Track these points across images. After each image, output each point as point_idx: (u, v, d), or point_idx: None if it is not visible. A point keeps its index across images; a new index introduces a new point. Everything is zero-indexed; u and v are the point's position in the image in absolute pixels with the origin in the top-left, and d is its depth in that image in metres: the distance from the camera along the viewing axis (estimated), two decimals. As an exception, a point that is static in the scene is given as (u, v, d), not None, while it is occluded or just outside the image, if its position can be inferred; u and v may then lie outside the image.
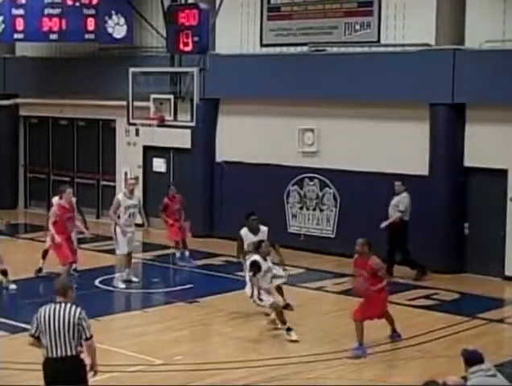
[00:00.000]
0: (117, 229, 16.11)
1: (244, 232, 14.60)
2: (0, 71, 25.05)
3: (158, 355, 12.10)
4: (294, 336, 12.77)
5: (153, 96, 18.31)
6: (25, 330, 12.79)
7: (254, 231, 14.51)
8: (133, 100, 18.62)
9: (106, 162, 23.91)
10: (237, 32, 20.82)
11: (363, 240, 12.37)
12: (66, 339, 8.24)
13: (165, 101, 18.33)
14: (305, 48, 19.70)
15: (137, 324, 13.94)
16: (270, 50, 20.35)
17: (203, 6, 18.57)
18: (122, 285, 15.96)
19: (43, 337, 8.29)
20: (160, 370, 11.57)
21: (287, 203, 20.18)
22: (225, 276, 17.21)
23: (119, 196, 16.46)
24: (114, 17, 21.96)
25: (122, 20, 22.04)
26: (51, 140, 25.36)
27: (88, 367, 8.53)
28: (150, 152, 22.79)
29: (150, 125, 19.10)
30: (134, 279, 16.42)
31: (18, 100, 25.34)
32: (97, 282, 16.30)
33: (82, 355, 8.43)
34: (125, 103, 19.20)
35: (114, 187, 23.48)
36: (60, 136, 25.07)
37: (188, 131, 20.25)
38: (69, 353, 8.27)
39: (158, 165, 22.64)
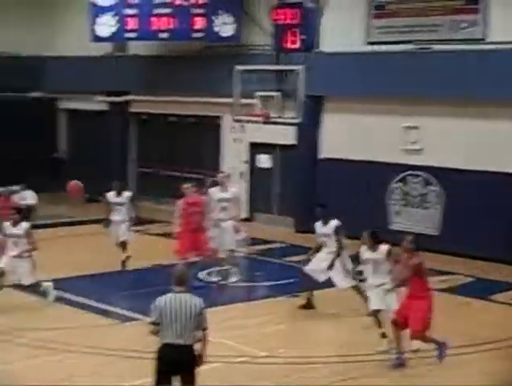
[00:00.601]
0: (211, 223, 15.97)
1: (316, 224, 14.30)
2: (113, 69, 25.42)
3: (262, 348, 12.03)
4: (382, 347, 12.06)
5: (258, 93, 18.35)
6: (135, 319, 13.15)
7: (323, 222, 14.17)
8: (239, 98, 18.65)
9: (212, 158, 23.98)
10: (342, 30, 20.53)
11: (412, 236, 11.79)
12: (188, 328, 8.30)
13: (270, 98, 18.32)
14: (410, 46, 19.32)
15: (240, 316, 13.89)
16: (375, 48, 20.02)
17: (309, 4, 18.51)
18: (233, 279, 15.89)
19: (166, 325, 8.30)
20: (264, 362, 11.49)
21: (390, 199, 19.84)
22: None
23: (212, 189, 16.39)
24: (222, 16, 22.03)
25: (229, 19, 22.07)
26: (160, 136, 25.60)
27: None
28: (256, 148, 22.74)
29: (256, 122, 19.12)
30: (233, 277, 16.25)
31: (129, 97, 25.68)
32: (201, 275, 16.31)
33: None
34: (231, 100, 19.28)
35: (217, 183, 23.49)
36: (169, 132, 25.29)
37: (293, 128, 20.14)
38: (188, 342, 8.35)
39: (264, 161, 22.59)
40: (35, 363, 11.19)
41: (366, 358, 11.51)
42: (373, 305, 12.02)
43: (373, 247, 12.07)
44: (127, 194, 17.09)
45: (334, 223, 14.06)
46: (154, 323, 8.42)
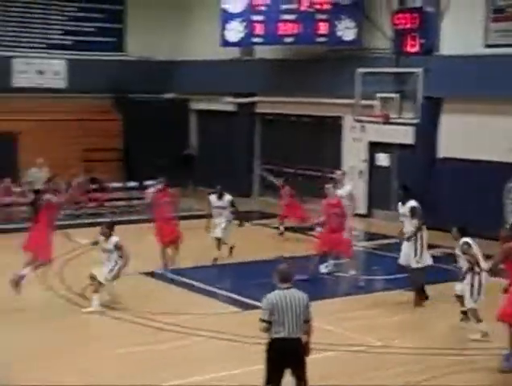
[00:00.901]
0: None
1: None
2: (240, 72, 25.90)
3: (378, 337, 12.17)
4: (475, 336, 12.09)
5: (379, 94, 18.38)
6: (255, 307, 13.48)
7: (402, 203, 14.35)
8: (360, 99, 18.76)
9: (333, 156, 24.13)
10: (461, 33, 20.34)
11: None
12: (299, 322, 8.44)
13: (390, 100, 18.33)
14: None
15: (357, 308, 14.03)
16: (494, 50, 19.75)
17: (429, 9, 18.42)
18: (352, 272, 15.90)
19: (279, 321, 8.39)
20: (380, 352, 11.63)
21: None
22: (442, 266, 16.94)
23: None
24: (344, 21, 22.14)
25: (352, 24, 22.17)
26: (283, 135, 25.91)
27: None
28: (374, 147, 22.79)
29: (375, 122, 19.19)
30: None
31: (256, 99, 26.09)
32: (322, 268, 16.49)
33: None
34: (352, 101, 19.40)
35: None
36: (292, 131, 25.57)
37: (411, 128, 20.09)
38: (299, 335, 8.49)
39: (382, 159, 22.60)
40: (167, 346, 11.65)
41: (481, 352, 11.50)
42: (467, 303, 12.09)
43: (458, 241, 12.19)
44: (228, 198, 17.40)
45: (410, 203, 14.16)
46: (265, 321, 8.47)
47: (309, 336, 8.67)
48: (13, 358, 11.03)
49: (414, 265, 13.98)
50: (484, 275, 11.93)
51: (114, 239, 13.65)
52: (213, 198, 17.37)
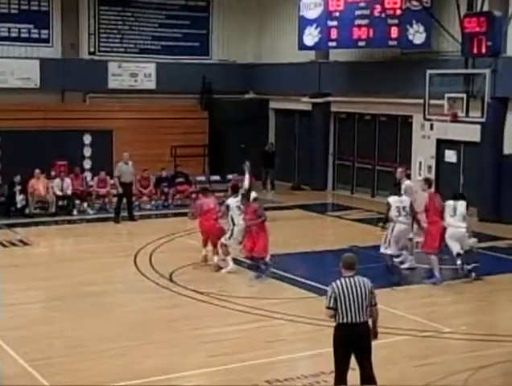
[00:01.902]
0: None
1: None
2: (316, 73, 25.78)
3: (446, 324, 11.96)
4: None
5: (447, 94, 18.03)
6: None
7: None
8: (429, 99, 18.45)
9: (403, 153, 23.82)
10: (528, 36, 19.82)
11: None
12: (364, 307, 8.35)
13: (458, 99, 17.98)
14: None
15: (426, 295, 13.83)
16: (560, 52, 19.18)
17: (496, 13, 17.95)
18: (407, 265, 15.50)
19: (343, 306, 8.31)
20: (448, 337, 11.44)
21: None
22: (509, 258, 16.59)
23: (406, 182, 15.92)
24: (415, 25, 21.77)
25: (422, 28, 21.79)
26: (356, 132, 25.70)
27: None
28: (442, 144, 22.38)
29: (444, 121, 18.84)
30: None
31: (330, 99, 25.92)
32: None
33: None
34: (421, 101, 19.09)
35: (409, 175, 23.30)
36: (364, 129, 25.32)
37: (478, 126, 19.66)
38: (364, 319, 8.39)
39: (450, 156, 22.18)
40: (248, 327, 11.72)
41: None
42: None
43: None
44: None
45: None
46: (330, 308, 8.42)
47: (375, 320, 8.57)
48: (103, 338, 11.20)
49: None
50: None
51: (227, 201, 15.23)
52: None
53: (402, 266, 15.23)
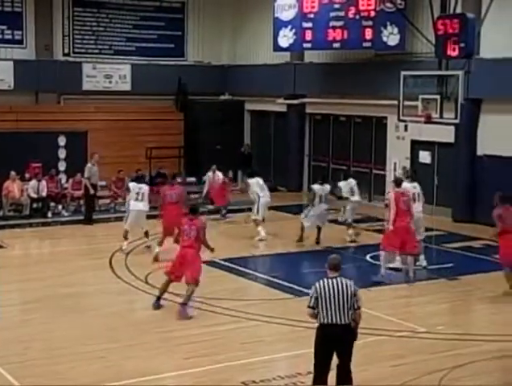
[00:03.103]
0: None
1: None
2: (291, 75, 25.85)
3: (422, 324, 12.02)
4: None
5: (421, 96, 18.12)
6: (308, 294, 13.40)
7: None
8: (403, 100, 18.56)
9: (378, 154, 23.94)
10: (499, 38, 19.96)
11: None
12: (344, 308, 8.38)
13: (432, 101, 18.07)
14: None
15: (402, 296, 13.89)
16: (531, 54, 19.36)
17: (469, 15, 18.08)
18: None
19: (323, 306, 8.39)
20: (423, 337, 11.48)
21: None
22: (483, 258, 16.71)
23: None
24: (389, 27, 21.92)
25: (396, 30, 21.93)
26: (331, 134, 25.77)
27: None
28: (417, 145, 22.51)
29: (418, 122, 18.95)
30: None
31: (305, 100, 25.98)
32: (368, 257, 16.40)
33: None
34: (396, 102, 19.18)
35: (384, 176, 23.50)
36: (339, 130, 25.42)
37: (452, 127, 19.80)
38: (345, 321, 8.41)
39: (424, 157, 22.32)
40: (224, 328, 11.71)
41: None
42: None
43: None
44: None
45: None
46: (311, 307, 8.50)
47: (357, 323, 8.58)
48: (76, 341, 11.14)
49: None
50: None
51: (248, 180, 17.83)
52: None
53: (389, 265, 15.21)
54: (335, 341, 8.45)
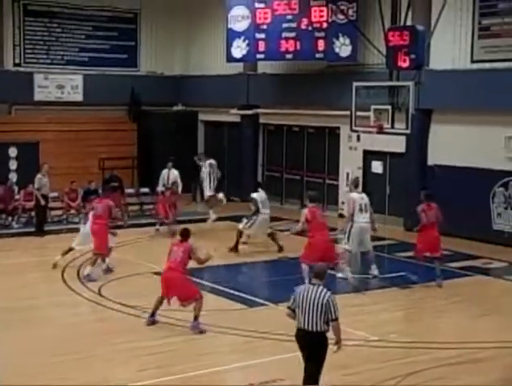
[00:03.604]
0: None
1: None
2: (244, 85, 25.92)
3: (373, 332, 12.09)
4: None
5: (373, 106, 18.33)
6: (263, 305, 13.45)
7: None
8: (355, 110, 18.74)
9: (331, 164, 24.12)
10: (449, 50, 20.33)
11: None
12: (314, 317, 8.51)
13: (383, 111, 18.28)
14: (513, 64, 18.95)
15: (356, 304, 13.96)
16: (480, 65, 19.72)
17: (419, 27, 18.36)
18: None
19: (298, 311, 8.61)
20: (375, 345, 11.55)
21: (493, 203, 19.49)
22: (434, 266, 16.88)
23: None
24: (341, 38, 22.12)
25: (348, 41, 22.15)
26: (284, 144, 25.89)
27: (334, 342, 8.75)
28: (369, 155, 22.74)
29: (370, 132, 19.16)
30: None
31: (259, 110, 26.07)
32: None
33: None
34: (348, 113, 19.37)
35: (337, 186, 23.68)
36: (293, 141, 25.55)
37: (403, 137, 20.04)
38: (314, 329, 8.55)
39: (376, 167, 22.56)
40: (179, 339, 11.66)
41: (483, 345, 11.39)
42: None
43: None
44: None
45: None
46: (289, 308, 8.75)
47: (335, 335, 8.69)
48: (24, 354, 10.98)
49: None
50: None
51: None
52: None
53: (338, 275, 15.40)
54: (304, 346, 8.67)
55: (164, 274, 12.26)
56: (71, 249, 16.22)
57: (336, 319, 8.59)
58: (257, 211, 17.93)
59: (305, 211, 14.94)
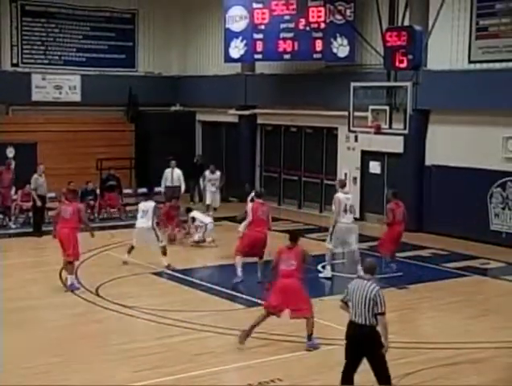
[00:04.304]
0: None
1: None
2: (242, 86, 25.90)
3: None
4: None
5: (371, 107, 18.35)
6: (259, 304, 13.39)
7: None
8: (353, 111, 18.74)
9: (328, 164, 24.10)
10: (447, 50, 20.31)
11: None
12: (362, 311, 8.74)
13: (381, 112, 18.31)
14: (511, 64, 18.90)
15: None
16: (478, 66, 19.71)
17: (417, 27, 18.36)
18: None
19: (350, 303, 8.87)
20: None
21: (490, 203, 19.48)
22: (432, 266, 16.91)
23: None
24: (339, 39, 22.11)
25: (345, 41, 22.14)
26: (282, 144, 25.87)
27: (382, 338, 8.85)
28: (367, 156, 22.73)
29: (368, 133, 19.15)
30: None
31: (256, 111, 26.05)
32: (319, 267, 16.43)
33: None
34: (346, 113, 19.38)
35: (335, 186, 23.59)
36: (290, 141, 25.53)
37: (401, 138, 20.03)
38: (364, 322, 8.75)
39: (374, 167, 22.54)
40: (176, 340, 11.60)
41: (476, 346, 11.37)
42: None
43: None
44: None
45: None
46: (342, 301, 9.04)
47: (382, 330, 8.86)
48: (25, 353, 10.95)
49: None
50: None
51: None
52: None
53: (320, 275, 15.48)
54: (355, 339, 8.83)
55: (279, 283, 11.08)
56: (133, 247, 16.26)
57: (383, 314, 8.80)
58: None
59: (249, 205, 15.29)
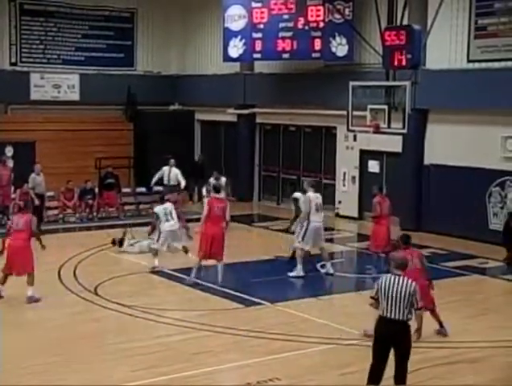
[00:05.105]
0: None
1: None
2: (241, 85, 25.91)
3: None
4: None
5: (369, 106, 18.37)
6: (258, 303, 13.43)
7: None
8: (352, 110, 18.76)
9: (327, 164, 24.12)
10: (446, 49, 20.33)
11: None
12: (401, 306, 8.72)
13: (380, 111, 18.33)
14: (510, 63, 18.93)
15: (351, 304, 13.97)
16: (476, 65, 19.73)
17: (416, 27, 18.38)
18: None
19: (382, 300, 8.80)
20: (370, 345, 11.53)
21: (489, 202, 19.50)
22: (430, 265, 16.86)
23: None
24: (337, 38, 22.13)
25: (344, 40, 22.16)
26: (281, 144, 25.89)
27: (413, 331, 9.03)
28: (365, 155, 22.75)
29: (366, 132, 19.18)
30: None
31: (255, 110, 26.06)
32: (318, 266, 16.45)
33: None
34: (345, 112, 19.41)
35: (334, 185, 23.68)
36: (289, 140, 25.54)
37: (400, 137, 20.06)
38: (400, 318, 8.75)
39: (373, 166, 22.57)
40: (174, 339, 11.62)
41: (475, 345, 11.40)
42: None
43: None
44: None
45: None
46: (373, 298, 8.96)
47: (417, 322, 9.18)
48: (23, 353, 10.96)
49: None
50: None
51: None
52: None
53: (289, 274, 15.40)
54: (388, 335, 8.79)
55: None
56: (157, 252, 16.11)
57: (421, 308, 8.98)
58: None
59: (206, 200, 15.33)
